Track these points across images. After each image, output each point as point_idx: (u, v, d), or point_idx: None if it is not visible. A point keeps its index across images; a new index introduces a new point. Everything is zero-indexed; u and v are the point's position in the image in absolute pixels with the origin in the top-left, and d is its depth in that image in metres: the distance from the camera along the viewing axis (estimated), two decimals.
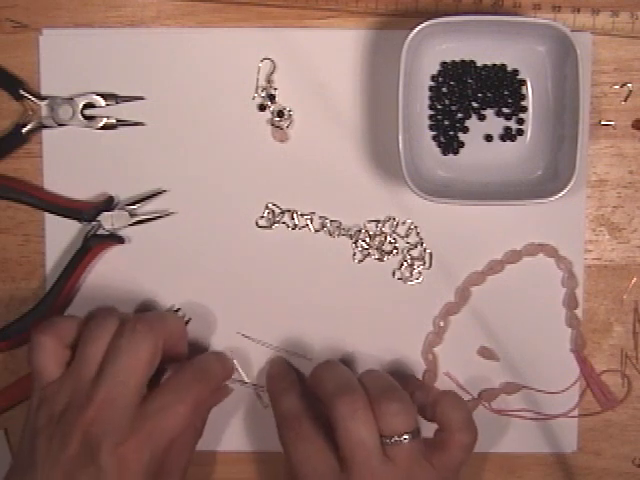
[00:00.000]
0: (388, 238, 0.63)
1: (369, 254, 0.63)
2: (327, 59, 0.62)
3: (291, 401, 0.59)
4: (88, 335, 0.57)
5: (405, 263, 0.63)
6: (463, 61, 0.62)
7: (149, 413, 0.55)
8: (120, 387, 0.55)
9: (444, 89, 0.62)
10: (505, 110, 0.62)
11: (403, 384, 0.58)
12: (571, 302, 0.63)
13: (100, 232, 0.62)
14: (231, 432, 0.64)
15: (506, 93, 0.62)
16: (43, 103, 0.62)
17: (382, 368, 0.63)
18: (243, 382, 0.64)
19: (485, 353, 0.64)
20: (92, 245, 0.62)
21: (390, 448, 0.55)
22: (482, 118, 0.62)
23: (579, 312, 0.63)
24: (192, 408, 0.56)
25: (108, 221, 0.62)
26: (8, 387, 0.63)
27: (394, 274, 0.63)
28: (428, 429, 0.58)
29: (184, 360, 0.60)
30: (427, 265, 0.63)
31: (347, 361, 0.63)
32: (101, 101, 0.62)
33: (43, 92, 0.62)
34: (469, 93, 0.62)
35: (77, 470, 0.53)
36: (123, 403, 0.54)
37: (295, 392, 0.60)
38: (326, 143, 0.63)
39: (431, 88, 0.62)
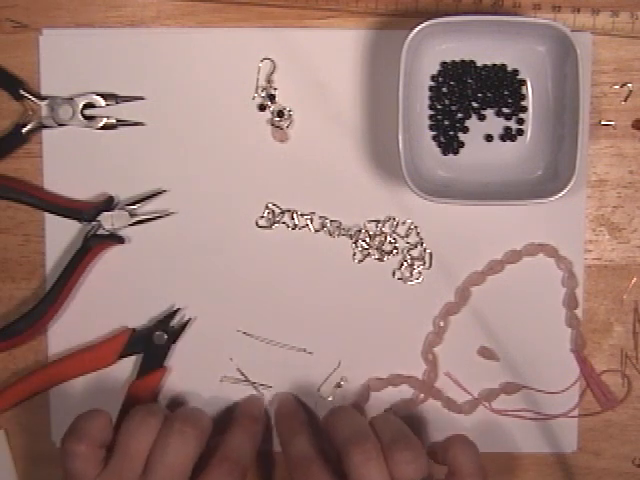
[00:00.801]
0: (388, 238, 0.63)
1: (369, 254, 0.63)
2: (327, 59, 0.62)
3: (301, 444, 0.59)
4: (131, 431, 0.56)
5: (405, 263, 0.63)
6: (463, 61, 0.62)
7: None
8: None
9: (444, 89, 0.62)
10: (505, 110, 0.62)
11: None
12: (571, 302, 0.63)
13: (100, 232, 0.62)
14: None
15: (506, 93, 0.62)
16: (43, 103, 0.62)
17: (382, 368, 0.63)
18: (243, 381, 0.64)
19: (485, 353, 0.64)
20: (92, 245, 0.62)
21: None
22: (482, 118, 0.62)
23: (579, 312, 0.63)
24: None
25: (108, 221, 0.62)
26: (8, 387, 0.63)
27: (394, 274, 0.63)
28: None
29: (217, 451, 0.59)
30: (427, 265, 0.63)
31: (347, 362, 0.63)
32: (101, 101, 0.62)
33: (43, 92, 0.62)
34: (469, 93, 0.62)
35: None
36: None
37: (306, 434, 0.60)
38: (326, 143, 0.63)
39: (431, 88, 0.62)
